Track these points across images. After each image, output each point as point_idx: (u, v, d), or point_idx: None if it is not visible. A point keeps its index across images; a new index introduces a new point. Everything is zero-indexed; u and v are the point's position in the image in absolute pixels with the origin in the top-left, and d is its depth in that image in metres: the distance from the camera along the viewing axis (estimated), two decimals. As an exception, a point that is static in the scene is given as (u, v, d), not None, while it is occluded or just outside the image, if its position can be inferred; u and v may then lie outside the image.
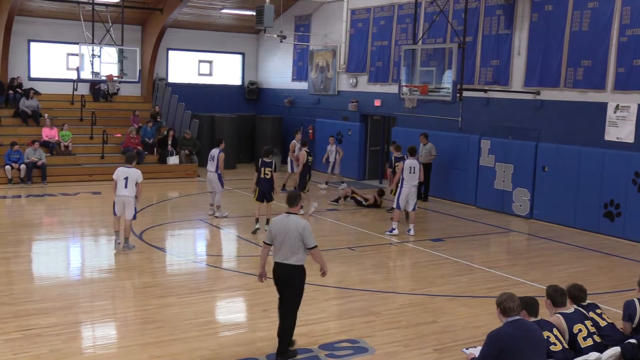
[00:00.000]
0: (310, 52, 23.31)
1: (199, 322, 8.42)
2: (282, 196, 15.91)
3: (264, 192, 13.51)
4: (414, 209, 13.92)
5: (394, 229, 13.74)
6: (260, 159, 13.56)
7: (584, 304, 6.62)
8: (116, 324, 8.53)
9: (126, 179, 11.49)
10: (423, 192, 17.11)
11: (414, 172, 13.71)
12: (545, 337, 5.89)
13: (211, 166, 14.87)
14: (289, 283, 7.23)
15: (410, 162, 13.80)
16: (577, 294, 6.67)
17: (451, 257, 12.15)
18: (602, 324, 6.47)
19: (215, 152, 14.96)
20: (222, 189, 15.13)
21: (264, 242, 7.53)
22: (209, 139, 23.78)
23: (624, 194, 13.85)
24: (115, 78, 21.03)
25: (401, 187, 13.79)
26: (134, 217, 11.74)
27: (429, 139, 17.43)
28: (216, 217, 14.99)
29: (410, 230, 13.86)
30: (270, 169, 13.44)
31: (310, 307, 9.17)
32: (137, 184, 11.53)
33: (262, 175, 13.43)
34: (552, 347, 5.93)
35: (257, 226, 13.77)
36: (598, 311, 6.62)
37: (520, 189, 16.02)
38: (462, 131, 17.69)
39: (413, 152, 14.10)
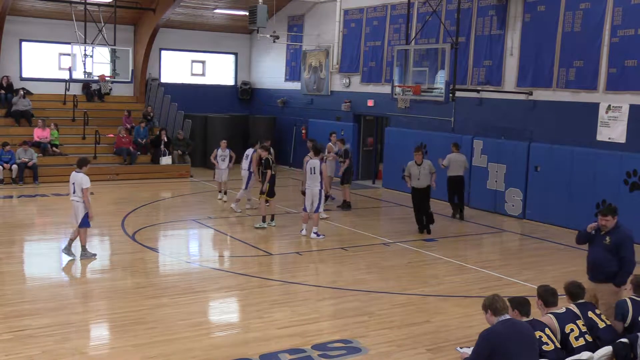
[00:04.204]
0: (303, 52, 23.31)
1: (192, 323, 8.41)
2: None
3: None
4: (316, 211, 13.43)
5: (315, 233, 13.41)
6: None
7: (581, 302, 6.64)
8: (109, 324, 8.51)
9: (73, 184, 11.07)
10: (426, 222, 14.13)
11: (314, 173, 13.29)
12: (538, 337, 5.90)
13: (244, 164, 15.83)
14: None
15: (312, 162, 13.38)
16: (575, 290, 6.69)
17: (444, 257, 12.18)
18: (601, 325, 6.47)
19: (249, 151, 15.89)
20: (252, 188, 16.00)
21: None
22: (202, 139, 23.84)
23: (616, 194, 13.89)
24: (107, 78, 20.94)
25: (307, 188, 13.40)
26: (85, 225, 11.10)
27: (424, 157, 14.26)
28: (231, 207, 15.79)
29: (303, 230, 13.51)
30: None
31: (304, 307, 9.19)
32: (82, 189, 10.92)
33: (273, 172, 14.12)
34: (544, 347, 5.94)
35: (265, 224, 14.04)
36: (597, 311, 6.62)
37: (513, 189, 16.06)
38: (455, 131, 17.72)
39: (317, 152, 13.57)
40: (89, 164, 11.44)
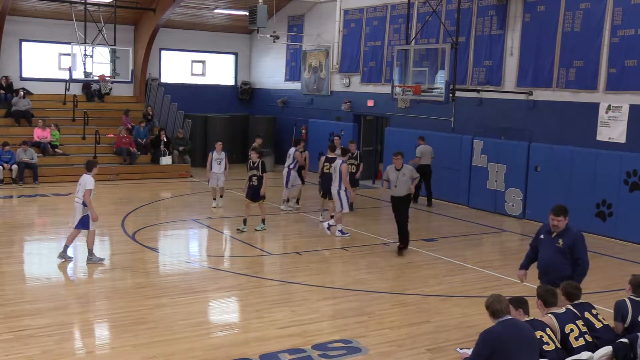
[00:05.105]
0: (303, 52, 23.31)
1: (192, 323, 8.41)
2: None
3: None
4: (339, 210, 13.58)
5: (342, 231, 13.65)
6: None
7: (578, 302, 6.65)
8: (109, 324, 8.50)
9: (79, 184, 10.94)
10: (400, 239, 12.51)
11: (334, 172, 13.61)
12: (539, 337, 5.93)
13: (286, 163, 15.86)
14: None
15: (336, 161, 13.75)
16: (572, 291, 6.70)
17: (444, 257, 12.18)
18: (598, 325, 6.48)
19: (291, 150, 15.93)
20: (291, 185, 16.07)
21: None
22: (202, 139, 23.85)
23: (616, 194, 13.92)
24: (107, 78, 20.97)
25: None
26: (81, 227, 10.90)
27: (403, 160, 12.57)
28: (282, 209, 16.04)
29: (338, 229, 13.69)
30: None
31: (303, 307, 9.19)
32: (85, 190, 10.74)
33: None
34: (545, 347, 5.96)
35: (265, 226, 13.89)
36: (594, 311, 6.63)
37: (513, 189, 16.07)
38: (455, 131, 17.73)
39: (343, 153, 13.95)
40: (97, 165, 11.40)
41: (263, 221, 13.95)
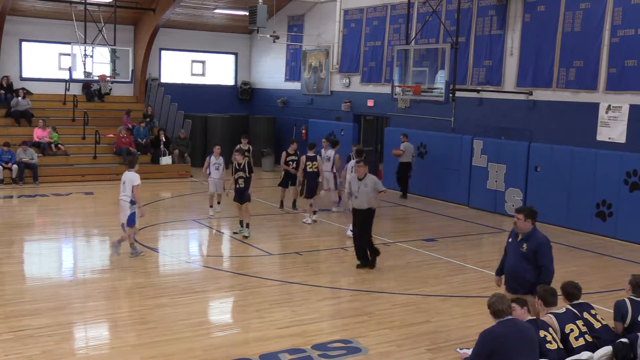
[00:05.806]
0: (303, 52, 23.31)
1: (192, 323, 8.41)
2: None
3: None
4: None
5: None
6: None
7: (577, 302, 6.66)
8: (109, 324, 8.50)
9: (124, 182, 11.28)
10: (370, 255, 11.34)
11: (352, 173, 13.27)
12: (542, 336, 5.97)
13: (327, 166, 15.67)
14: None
15: (353, 162, 13.61)
16: (571, 291, 6.71)
17: (444, 257, 12.18)
18: (597, 325, 6.49)
19: (331, 152, 15.74)
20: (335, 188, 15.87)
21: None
22: (202, 140, 23.84)
23: (616, 194, 13.91)
24: (107, 78, 20.96)
25: None
26: (130, 223, 11.23)
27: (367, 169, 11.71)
28: (333, 210, 16.02)
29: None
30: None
31: (304, 307, 9.20)
32: (132, 187, 11.11)
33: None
34: (547, 346, 5.98)
35: (241, 229, 13.50)
36: (592, 312, 6.64)
37: (513, 189, 16.06)
38: (455, 131, 17.72)
39: (359, 154, 13.91)
40: (138, 161, 11.81)
41: (247, 225, 13.34)
